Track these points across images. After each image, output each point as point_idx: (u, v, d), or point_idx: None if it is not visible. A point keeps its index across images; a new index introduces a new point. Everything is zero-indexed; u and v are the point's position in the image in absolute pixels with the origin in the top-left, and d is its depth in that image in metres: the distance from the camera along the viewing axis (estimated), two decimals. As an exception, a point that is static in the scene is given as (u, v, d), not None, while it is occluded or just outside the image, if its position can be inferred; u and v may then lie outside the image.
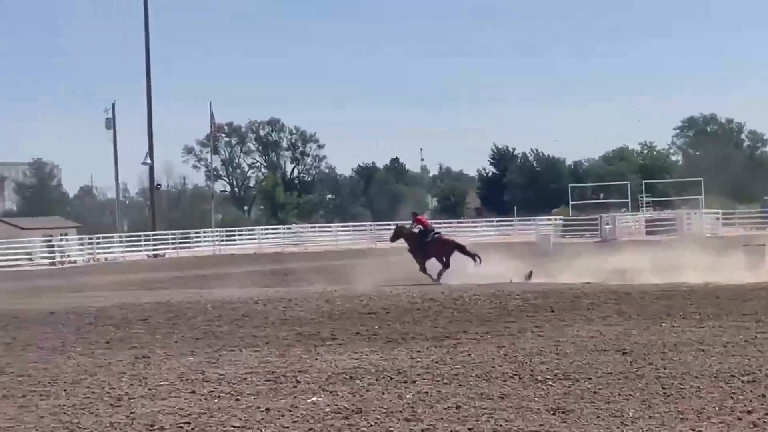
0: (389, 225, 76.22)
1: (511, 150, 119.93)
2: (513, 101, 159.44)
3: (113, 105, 73.50)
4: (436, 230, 36.10)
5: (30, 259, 57.27)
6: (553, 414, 11.40)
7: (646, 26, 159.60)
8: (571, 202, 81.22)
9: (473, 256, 34.14)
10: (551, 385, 13.11)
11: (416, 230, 35.28)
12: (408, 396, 12.59)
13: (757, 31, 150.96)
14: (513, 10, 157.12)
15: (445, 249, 34.34)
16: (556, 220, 76.32)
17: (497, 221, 77.15)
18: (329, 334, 19.20)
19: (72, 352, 17.74)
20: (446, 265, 33.88)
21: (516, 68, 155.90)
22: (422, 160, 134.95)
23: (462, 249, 34.60)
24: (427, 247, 34.45)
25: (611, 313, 21.36)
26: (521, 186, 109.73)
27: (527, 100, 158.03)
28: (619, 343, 16.72)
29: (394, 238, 36.61)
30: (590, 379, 13.49)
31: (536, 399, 12.25)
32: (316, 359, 15.93)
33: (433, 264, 34.17)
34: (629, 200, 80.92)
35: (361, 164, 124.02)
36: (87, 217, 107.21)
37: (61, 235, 68.63)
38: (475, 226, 78.91)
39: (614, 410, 11.49)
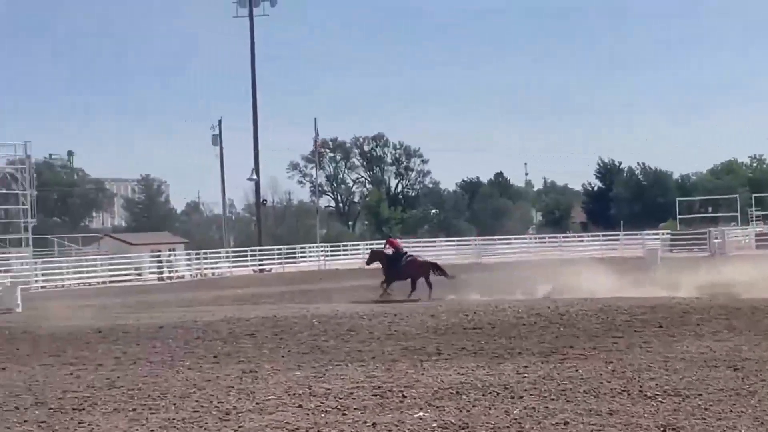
0: (494, 240, 76.25)
1: (617, 164, 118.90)
2: (618, 114, 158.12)
3: (219, 122, 74.45)
4: (408, 253, 37.31)
5: (139, 274, 58.10)
6: (663, 431, 11.23)
7: (753, 36, 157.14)
8: (678, 216, 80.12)
9: (447, 274, 35.53)
10: (661, 402, 12.93)
11: (389, 252, 36.68)
12: (515, 412, 12.50)
13: None
14: (617, 24, 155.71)
15: (421, 269, 35.68)
16: (663, 234, 75.31)
17: (603, 236, 76.32)
18: (435, 348, 19.17)
19: (180, 366, 17.94)
20: (414, 287, 35.07)
21: (621, 81, 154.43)
22: (526, 174, 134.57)
23: (437, 268, 35.89)
24: (402, 268, 35.68)
25: (721, 328, 21.03)
26: (627, 200, 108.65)
27: (633, 114, 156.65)
28: (730, 358, 16.44)
29: (370, 261, 38.14)
30: (701, 395, 13.28)
31: (645, 415, 12.08)
32: (422, 374, 15.89)
33: (424, 284, 35.12)
34: (738, 214, 79.62)
35: (465, 179, 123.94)
36: (194, 232, 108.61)
37: (169, 250, 69.53)
38: (581, 241, 78.31)
39: (726, 427, 11.29)
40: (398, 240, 40.71)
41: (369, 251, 40.98)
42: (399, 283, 35.62)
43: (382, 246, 37.80)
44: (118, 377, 16.72)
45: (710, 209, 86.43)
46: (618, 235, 74.74)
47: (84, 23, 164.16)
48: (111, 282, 54.80)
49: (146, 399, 14.39)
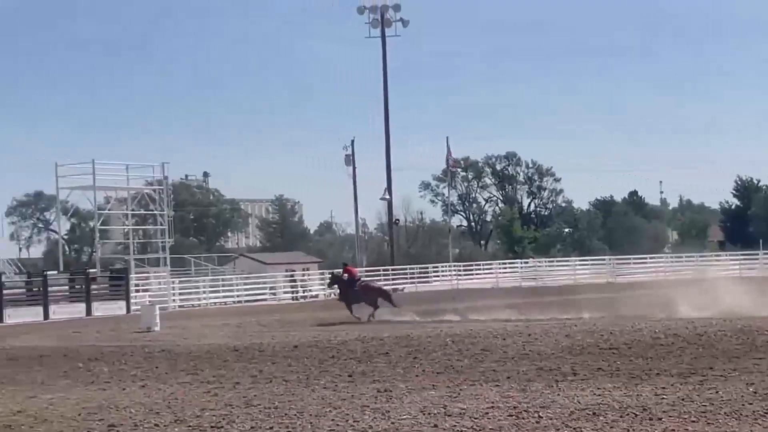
0: (628, 259, 75.22)
1: (756, 181, 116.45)
2: (756, 131, 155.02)
3: (352, 142, 74.85)
4: (362, 279, 42.43)
5: (273, 294, 58.69)
6: (809, 455, 10.93)
7: None
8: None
9: (392, 302, 38.87)
10: (806, 425, 12.59)
11: (345, 278, 40.75)
12: (654, 434, 12.29)
13: None
14: (748, 41, 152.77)
15: (372, 293, 39.45)
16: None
17: (741, 255, 74.73)
18: (570, 369, 18.98)
19: (316, 385, 18.05)
20: (375, 307, 38.46)
21: (757, 97, 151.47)
22: (661, 192, 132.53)
23: (383, 294, 39.73)
24: (356, 292, 39.66)
25: None
26: (766, 218, 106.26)
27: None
28: None
29: (331, 284, 43.50)
30: None
31: (790, 439, 11.77)
32: (558, 395, 15.73)
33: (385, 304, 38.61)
34: None
35: (599, 197, 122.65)
36: (327, 252, 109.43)
37: (303, 270, 70.13)
38: (718, 260, 76.79)
39: None
40: (355, 268, 44.51)
41: (330, 275, 45.69)
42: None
43: (341, 272, 41.78)
44: (254, 396, 16.89)
45: None
46: (757, 254, 73.13)
47: (218, 48, 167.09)
48: (246, 301, 55.46)
49: (283, 417, 14.50)
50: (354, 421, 13.91)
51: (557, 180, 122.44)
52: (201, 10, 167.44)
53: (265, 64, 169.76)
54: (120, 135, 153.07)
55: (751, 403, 14.24)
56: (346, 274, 41.04)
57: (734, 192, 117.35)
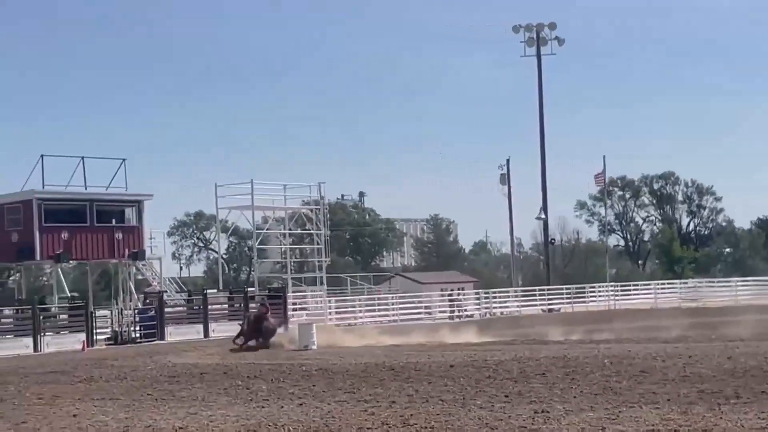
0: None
1: None
2: None
3: (508, 161, 74.54)
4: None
5: (429, 313, 58.71)
6: None
7: None
8: None
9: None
10: None
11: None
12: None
13: None
14: None
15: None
16: None
17: None
18: (733, 392, 18.53)
19: (472, 405, 17.98)
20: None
21: None
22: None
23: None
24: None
25: None
26: None
27: None
28: None
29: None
30: None
31: None
32: (721, 418, 15.36)
33: None
34: None
35: (761, 217, 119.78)
36: (482, 271, 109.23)
37: (459, 289, 70.07)
38: None
39: None
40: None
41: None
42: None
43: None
44: (411, 415, 16.90)
45: None
46: None
47: (374, 69, 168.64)
48: (402, 320, 55.62)
49: (440, 437, 14.47)
50: (511, 442, 13.81)
51: (718, 199, 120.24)
52: (357, 29, 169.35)
53: (422, 84, 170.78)
54: (277, 156, 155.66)
55: None
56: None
57: None
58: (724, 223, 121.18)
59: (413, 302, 58.81)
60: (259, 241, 56.40)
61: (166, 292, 49.62)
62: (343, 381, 23.48)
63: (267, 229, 60.09)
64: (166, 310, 46.43)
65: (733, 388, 19.13)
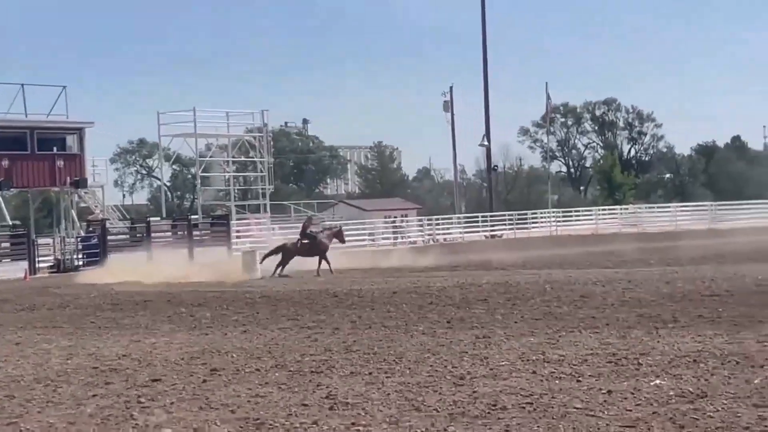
0: (731, 205, 74.22)
1: None
2: None
3: (451, 88, 74.55)
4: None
5: (372, 240, 58.96)
6: None
7: None
8: None
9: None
10: None
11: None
12: (756, 381, 12.15)
13: None
14: None
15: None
16: None
17: None
18: (671, 316, 18.84)
19: (415, 331, 18.15)
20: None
21: None
22: (765, 137, 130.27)
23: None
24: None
25: None
26: None
27: None
28: None
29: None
30: None
31: None
32: (658, 342, 15.63)
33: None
34: None
35: (701, 143, 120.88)
36: (425, 198, 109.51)
37: (402, 216, 70.34)
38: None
39: None
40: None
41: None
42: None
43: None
44: (354, 341, 17.04)
45: None
46: None
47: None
48: (346, 247, 55.74)
49: (382, 363, 14.60)
50: (452, 367, 13.97)
51: (658, 125, 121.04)
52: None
53: (363, 11, 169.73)
54: (220, 83, 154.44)
55: None
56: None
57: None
58: (664, 149, 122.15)
59: (357, 229, 58.94)
60: (202, 168, 56.28)
61: (108, 219, 49.42)
62: (286, 308, 23.60)
63: (210, 157, 59.93)
64: (109, 237, 46.26)
65: (670, 312, 19.45)
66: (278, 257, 38.37)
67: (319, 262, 38.16)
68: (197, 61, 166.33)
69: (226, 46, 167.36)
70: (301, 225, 41.47)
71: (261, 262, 38.40)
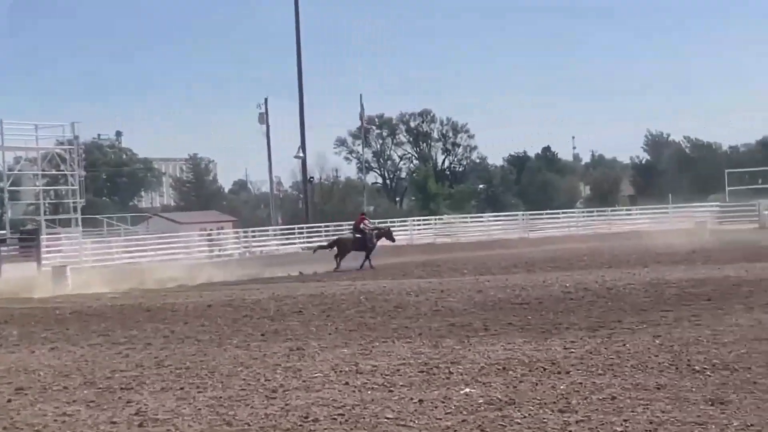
0: (542, 214, 75.98)
1: (666, 136, 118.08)
2: (666, 86, 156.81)
3: (266, 100, 74.57)
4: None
5: (188, 253, 58.32)
6: (711, 405, 11.14)
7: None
8: (727, 188, 79.30)
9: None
10: (709, 376, 12.83)
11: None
12: (561, 387, 12.45)
13: None
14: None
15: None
16: (712, 206, 74.72)
17: (652, 209, 75.77)
18: (482, 324, 19.15)
19: (228, 345, 18.03)
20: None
21: (667, 52, 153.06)
22: (574, 148, 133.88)
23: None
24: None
25: (771, 300, 20.84)
26: (675, 172, 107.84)
27: (681, 84, 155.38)
28: (780, 331, 16.28)
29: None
30: (749, 368, 13.15)
31: (693, 389, 11.98)
32: (469, 350, 15.87)
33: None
34: (789, 185, 78.60)
35: (513, 153, 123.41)
36: (242, 210, 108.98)
37: (218, 228, 69.85)
38: (629, 214, 77.92)
39: (775, 401, 11.17)
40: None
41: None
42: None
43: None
44: (166, 356, 16.83)
45: (760, 181, 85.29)
46: (667, 208, 74.13)
47: (130, 3, 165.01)
48: (161, 261, 55.04)
49: (194, 378, 14.47)
50: (265, 380, 13.92)
51: (471, 136, 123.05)
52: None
53: (176, 20, 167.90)
54: (29, 96, 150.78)
55: (656, 355, 14.48)
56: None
57: (644, 147, 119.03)
58: (477, 160, 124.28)
59: (171, 242, 58.27)
60: (10, 182, 54.80)
61: None
62: (97, 324, 23.13)
63: (19, 170, 58.42)
64: None
65: (482, 320, 19.77)
66: (331, 251, 42.12)
67: (365, 258, 41.42)
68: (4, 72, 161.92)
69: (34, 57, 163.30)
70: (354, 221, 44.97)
71: (314, 252, 42.80)
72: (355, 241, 42.33)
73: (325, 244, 43.35)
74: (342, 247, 41.95)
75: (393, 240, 44.98)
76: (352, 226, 44.25)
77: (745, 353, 14.32)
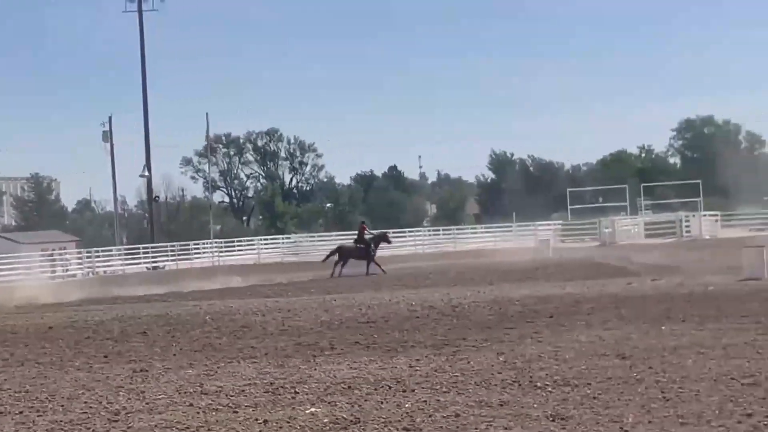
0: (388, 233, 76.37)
1: (510, 155, 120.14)
2: (510, 106, 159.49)
3: (110, 118, 73.65)
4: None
5: (28, 274, 57.08)
6: (553, 420, 11.33)
7: (641, 27, 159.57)
8: (569, 207, 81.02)
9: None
10: (550, 392, 13.04)
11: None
12: (407, 405, 12.52)
13: (754, 32, 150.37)
14: (514, 12, 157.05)
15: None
16: (555, 224, 76.22)
17: (497, 227, 76.94)
18: (328, 343, 19.15)
19: (70, 367, 17.66)
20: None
21: (510, 72, 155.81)
22: (420, 167, 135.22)
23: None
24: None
25: (611, 317, 21.32)
26: (520, 191, 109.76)
27: (524, 105, 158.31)
28: (619, 347, 16.66)
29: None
30: (590, 384, 13.42)
31: (535, 405, 12.17)
32: (315, 369, 15.85)
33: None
34: (628, 204, 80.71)
35: (360, 172, 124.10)
36: (86, 230, 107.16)
37: (60, 249, 68.52)
38: (475, 233, 78.98)
39: (614, 416, 11.41)
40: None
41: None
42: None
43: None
44: (4, 380, 16.40)
45: (601, 199, 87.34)
46: (511, 226, 75.31)
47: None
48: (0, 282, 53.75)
49: (33, 401, 14.13)
50: (108, 403, 13.67)
51: (319, 155, 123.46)
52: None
53: (17, 37, 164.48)
54: None
55: (500, 372, 14.67)
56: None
57: (489, 166, 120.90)
58: (325, 179, 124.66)
59: (11, 263, 56.97)
60: None
61: None
62: (-67, 347, 22.43)
63: None
64: None
65: (328, 339, 19.77)
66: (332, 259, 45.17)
67: (368, 265, 44.64)
68: None
69: None
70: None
71: (324, 261, 45.62)
72: (356, 250, 45.42)
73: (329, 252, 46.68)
74: (342, 254, 45.06)
75: (389, 242, 49.26)
76: (356, 236, 47.50)
77: (585, 369, 14.60)
